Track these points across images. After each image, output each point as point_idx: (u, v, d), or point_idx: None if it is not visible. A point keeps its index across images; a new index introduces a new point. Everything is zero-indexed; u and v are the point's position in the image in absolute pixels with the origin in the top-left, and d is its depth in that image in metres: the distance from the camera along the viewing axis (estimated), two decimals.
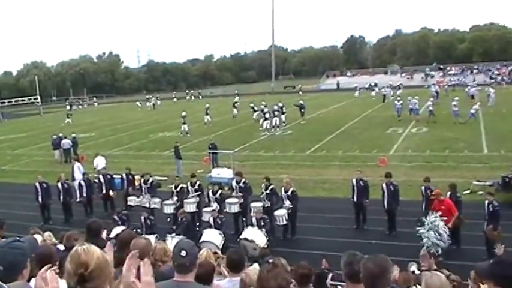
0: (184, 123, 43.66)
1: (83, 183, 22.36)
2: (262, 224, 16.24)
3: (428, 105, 42.75)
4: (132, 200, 21.33)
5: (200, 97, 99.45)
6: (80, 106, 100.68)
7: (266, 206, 17.82)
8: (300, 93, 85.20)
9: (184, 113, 44.59)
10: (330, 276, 8.27)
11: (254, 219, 16.51)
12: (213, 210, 17.57)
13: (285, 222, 17.34)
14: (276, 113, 43.64)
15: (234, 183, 19.45)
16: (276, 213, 17.42)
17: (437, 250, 12.47)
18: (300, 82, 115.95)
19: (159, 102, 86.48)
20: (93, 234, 7.48)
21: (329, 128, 41.85)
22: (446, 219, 14.14)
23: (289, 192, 17.57)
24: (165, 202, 19.68)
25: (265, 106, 45.22)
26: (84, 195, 22.11)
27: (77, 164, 25.29)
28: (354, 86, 79.78)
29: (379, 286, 3.96)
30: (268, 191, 18.17)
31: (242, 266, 6.17)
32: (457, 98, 42.52)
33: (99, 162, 27.33)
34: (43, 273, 3.34)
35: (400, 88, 69.60)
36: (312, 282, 6.39)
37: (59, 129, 42.96)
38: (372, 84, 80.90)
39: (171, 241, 15.09)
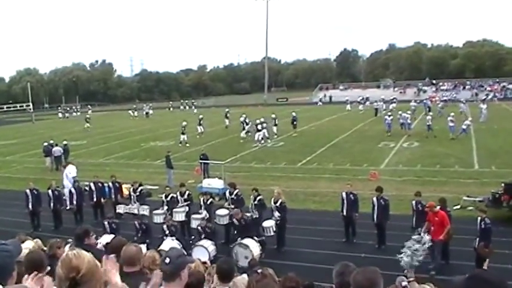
0: (183, 133, 43.64)
1: (73, 190, 22.31)
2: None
3: (427, 120, 42.75)
4: (121, 208, 21.41)
5: (194, 107, 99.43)
6: (74, 113, 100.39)
7: (254, 217, 17.86)
8: (320, 103, 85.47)
9: (184, 123, 44.59)
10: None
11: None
12: (202, 219, 17.63)
13: (272, 233, 17.31)
14: (265, 125, 43.44)
15: (227, 194, 19.51)
16: (264, 224, 17.42)
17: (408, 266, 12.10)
18: (292, 94, 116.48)
19: (151, 111, 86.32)
20: (79, 239, 7.50)
21: (321, 140, 41.91)
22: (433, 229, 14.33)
23: (278, 204, 17.56)
24: (155, 212, 19.72)
25: (245, 118, 46.18)
26: (75, 202, 22.05)
27: (65, 172, 25.17)
28: (346, 100, 79.84)
29: None
30: (256, 202, 18.22)
31: (232, 276, 6.19)
32: (452, 114, 42.68)
33: (71, 171, 27.23)
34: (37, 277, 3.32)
35: (394, 102, 69.57)
36: None
37: (50, 137, 42.73)
38: (363, 98, 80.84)
39: (168, 243, 15.30)
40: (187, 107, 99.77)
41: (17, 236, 9.22)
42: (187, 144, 42.21)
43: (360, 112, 69.22)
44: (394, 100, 73.11)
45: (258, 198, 18.24)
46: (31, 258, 5.04)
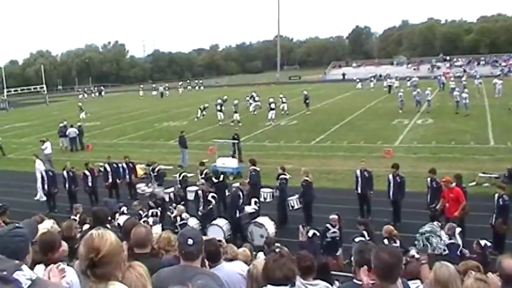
0: (235, 112, 43.41)
1: (87, 172, 22.31)
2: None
3: (455, 96, 41.98)
4: (140, 187, 21.97)
5: (202, 87, 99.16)
6: (93, 95, 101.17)
7: (275, 195, 18.47)
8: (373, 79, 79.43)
9: (236, 101, 44.78)
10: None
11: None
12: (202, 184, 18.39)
13: (296, 206, 17.72)
14: (273, 105, 43.21)
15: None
16: (289, 198, 17.86)
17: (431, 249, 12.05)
18: (305, 72, 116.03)
19: (167, 92, 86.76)
20: (100, 222, 7.51)
21: (334, 118, 41.82)
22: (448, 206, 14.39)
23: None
24: (166, 191, 20.27)
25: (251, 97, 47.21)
26: (90, 184, 22.09)
27: (38, 161, 24.59)
28: (356, 78, 79.08)
29: (395, 275, 3.97)
30: (279, 181, 18.51)
31: (219, 256, 6.19)
32: (467, 90, 42.16)
33: (49, 147, 29.62)
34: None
35: (410, 79, 68.07)
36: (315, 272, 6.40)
37: (64, 118, 42.82)
38: (375, 75, 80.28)
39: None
40: (197, 87, 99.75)
41: (37, 215, 9.26)
42: (240, 124, 41.72)
43: (371, 89, 69.05)
44: (415, 82, 70.28)
45: (281, 177, 18.63)
46: (44, 240, 5.06)
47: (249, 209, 16.75)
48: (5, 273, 2.46)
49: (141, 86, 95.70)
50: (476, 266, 6.87)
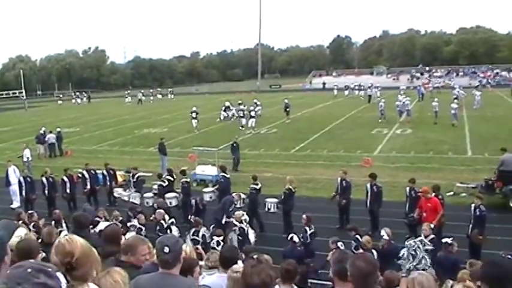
0: (242, 117, 43.65)
1: (66, 179, 22.14)
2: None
3: (452, 107, 40.38)
4: (117, 191, 22.42)
5: (172, 96, 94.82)
6: (76, 100, 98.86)
7: (246, 201, 18.83)
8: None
9: (242, 107, 45.43)
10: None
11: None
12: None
13: (272, 209, 18.08)
14: (253, 113, 43.29)
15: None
16: (267, 199, 18.27)
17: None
18: (286, 81, 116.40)
19: (152, 97, 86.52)
20: (81, 227, 7.50)
21: (314, 127, 41.92)
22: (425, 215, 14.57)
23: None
24: (145, 195, 20.69)
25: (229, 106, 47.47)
26: (68, 191, 21.91)
27: (12, 167, 24.15)
28: (334, 86, 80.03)
29: (370, 284, 3.99)
30: (251, 190, 18.65)
31: (235, 262, 6.22)
32: (456, 101, 42.53)
33: (27, 153, 29.75)
34: None
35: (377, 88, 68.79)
36: (296, 282, 6.43)
37: (43, 124, 42.53)
38: (356, 85, 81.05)
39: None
40: (170, 95, 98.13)
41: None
42: (249, 131, 41.97)
43: (353, 98, 69.82)
44: (401, 91, 69.66)
45: (252, 186, 18.84)
46: (20, 247, 5.05)
47: (252, 236, 16.57)
48: (50, 269, 2.54)
49: (128, 92, 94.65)
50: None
